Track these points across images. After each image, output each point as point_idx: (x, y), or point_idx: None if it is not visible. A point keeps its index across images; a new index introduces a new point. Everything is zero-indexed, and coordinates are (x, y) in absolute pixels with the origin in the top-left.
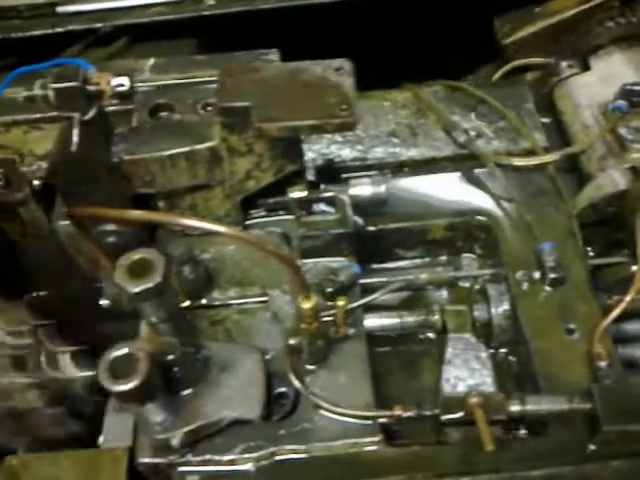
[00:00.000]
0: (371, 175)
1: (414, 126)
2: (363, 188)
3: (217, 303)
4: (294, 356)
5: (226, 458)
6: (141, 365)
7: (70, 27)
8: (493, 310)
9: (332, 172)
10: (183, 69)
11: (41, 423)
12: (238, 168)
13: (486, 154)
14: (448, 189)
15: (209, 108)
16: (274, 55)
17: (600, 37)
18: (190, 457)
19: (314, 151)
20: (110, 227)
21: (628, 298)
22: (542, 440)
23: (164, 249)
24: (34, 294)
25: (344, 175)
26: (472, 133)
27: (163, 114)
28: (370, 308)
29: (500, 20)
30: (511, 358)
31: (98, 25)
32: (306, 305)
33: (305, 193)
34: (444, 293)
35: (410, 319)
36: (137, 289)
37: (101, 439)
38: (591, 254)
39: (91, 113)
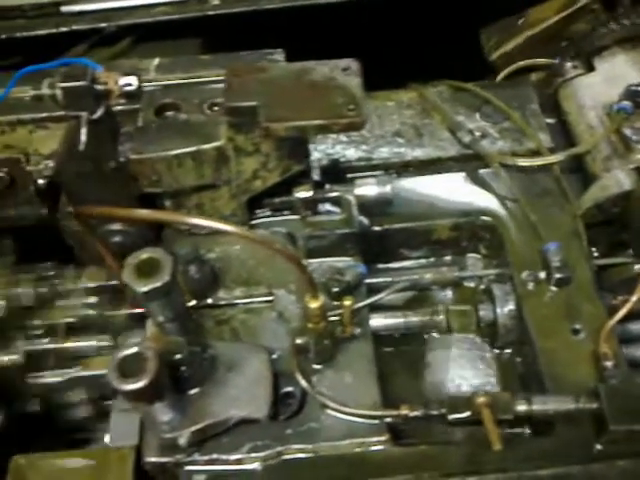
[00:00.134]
0: (376, 175)
1: (419, 126)
2: (369, 188)
3: (223, 302)
4: (301, 356)
5: (233, 457)
6: (150, 364)
7: (74, 27)
8: (498, 310)
9: (337, 172)
10: (188, 69)
11: None
12: (245, 168)
13: (491, 154)
14: (453, 189)
15: (215, 108)
16: (279, 55)
17: (604, 38)
18: (197, 456)
19: (319, 151)
20: (116, 226)
21: (634, 298)
22: (549, 440)
23: (170, 248)
24: None
25: (349, 175)
26: (477, 133)
27: (169, 114)
28: (374, 308)
29: (486, 34)
30: (516, 358)
31: (102, 25)
32: (313, 304)
33: (311, 193)
34: (449, 293)
35: (414, 319)
36: (145, 288)
37: (107, 438)
38: (595, 254)
39: (99, 112)
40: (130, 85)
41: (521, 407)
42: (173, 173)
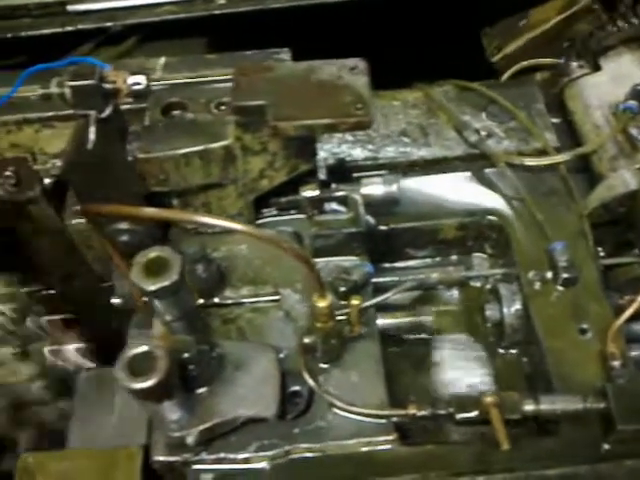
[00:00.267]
0: (383, 174)
1: (425, 126)
2: (375, 187)
3: (229, 302)
4: (308, 355)
5: (240, 456)
6: (160, 363)
7: (80, 26)
8: (505, 310)
9: (343, 171)
10: (195, 68)
11: (46, 415)
12: (252, 167)
13: (497, 154)
14: (459, 189)
15: (222, 107)
16: (285, 54)
17: (610, 38)
18: (204, 455)
19: (325, 150)
20: (123, 225)
21: None
22: (556, 439)
23: (176, 248)
24: (45, 290)
25: (355, 174)
26: (483, 133)
27: (176, 113)
28: (380, 307)
29: (487, 36)
30: (523, 358)
31: (108, 24)
32: (321, 304)
33: (317, 192)
34: (455, 293)
35: (404, 320)
36: (154, 287)
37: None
38: (602, 254)
39: (107, 111)
40: (139, 84)
41: (529, 407)
42: (181, 172)
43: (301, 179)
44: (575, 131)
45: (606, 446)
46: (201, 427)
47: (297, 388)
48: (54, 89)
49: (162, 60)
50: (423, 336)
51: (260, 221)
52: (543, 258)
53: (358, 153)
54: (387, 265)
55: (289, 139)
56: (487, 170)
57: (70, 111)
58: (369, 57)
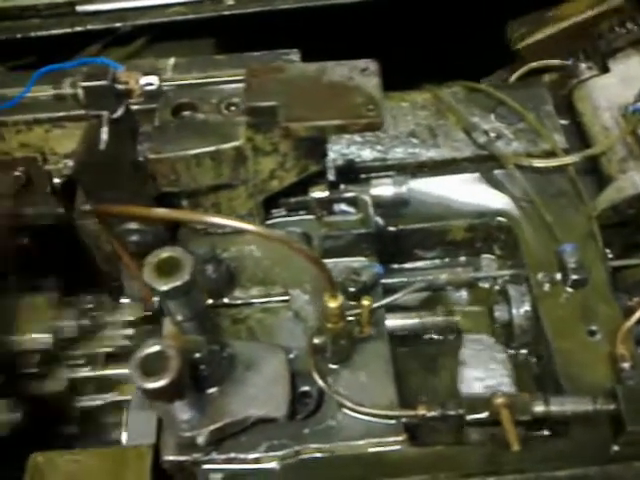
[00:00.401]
0: (392, 175)
1: (434, 127)
2: (385, 188)
3: (239, 302)
4: (317, 355)
5: (251, 456)
6: (172, 363)
7: (89, 26)
8: (514, 311)
9: (352, 172)
10: (204, 69)
11: None
12: (262, 168)
13: (506, 155)
14: (468, 190)
15: (232, 108)
16: (295, 55)
17: (618, 40)
18: (215, 455)
19: (334, 151)
20: (133, 226)
21: None
22: (566, 441)
23: (185, 248)
24: None
25: (364, 175)
26: (492, 134)
27: (186, 113)
28: (389, 308)
29: (513, 24)
30: (532, 359)
31: (117, 25)
32: (333, 304)
33: (327, 193)
34: (464, 294)
35: (429, 319)
36: (166, 287)
37: (124, 436)
38: (610, 256)
39: (119, 111)
40: (151, 85)
41: (539, 408)
42: (191, 172)
43: (310, 180)
44: (584, 133)
45: (616, 447)
46: (212, 427)
47: (307, 388)
48: (67, 90)
49: (171, 61)
50: (433, 336)
51: (269, 222)
52: (552, 259)
53: (367, 154)
54: (396, 266)
55: (300, 140)
56: (496, 171)
57: (81, 111)
58: (377, 58)
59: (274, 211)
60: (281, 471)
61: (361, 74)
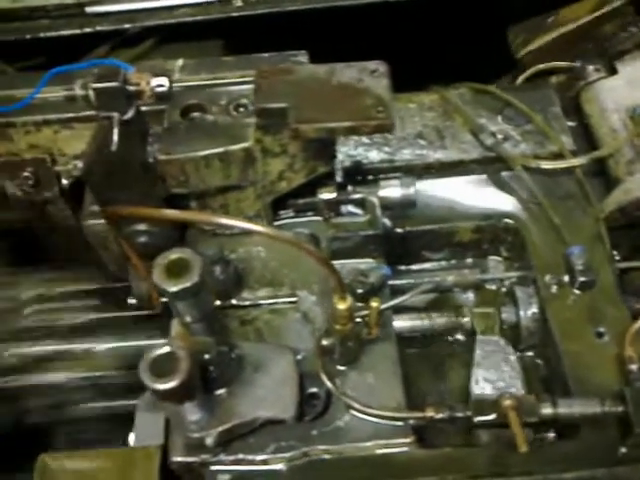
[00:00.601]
0: (400, 177)
1: (441, 128)
2: (392, 190)
3: (247, 303)
4: (325, 357)
5: (259, 458)
6: (182, 364)
7: (98, 28)
8: (521, 313)
9: (360, 174)
10: (212, 70)
11: None
12: (271, 169)
13: (513, 157)
14: (475, 192)
15: (241, 109)
16: (303, 57)
17: (626, 42)
18: (223, 456)
19: (341, 153)
20: (142, 227)
21: None
22: (573, 443)
23: (194, 249)
24: None
25: (371, 177)
26: (499, 136)
27: (195, 114)
28: (396, 309)
29: (514, 31)
30: (539, 361)
31: (126, 26)
32: (342, 306)
33: (334, 194)
34: (470, 295)
35: (439, 321)
36: (175, 288)
37: (132, 437)
38: (617, 258)
39: (130, 113)
40: (162, 86)
41: (547, 410)
42: (200, 174)
43: (318, 181)
44: (591, 135)
45: (624, 450)
46: (220, 428)
47: (315, 390)
48: (78, 91)
49: (180, 62)
50: (442, 338)
51: (277, 223)
52: (559, 261)
53: (374, 155)
54: (403, 267)
55: (309, 141)
56: (503, 173)
57: (90, 112)
58: (384, 60)
59: (282, 212)
60: (289, 472)
61: (371, 76)
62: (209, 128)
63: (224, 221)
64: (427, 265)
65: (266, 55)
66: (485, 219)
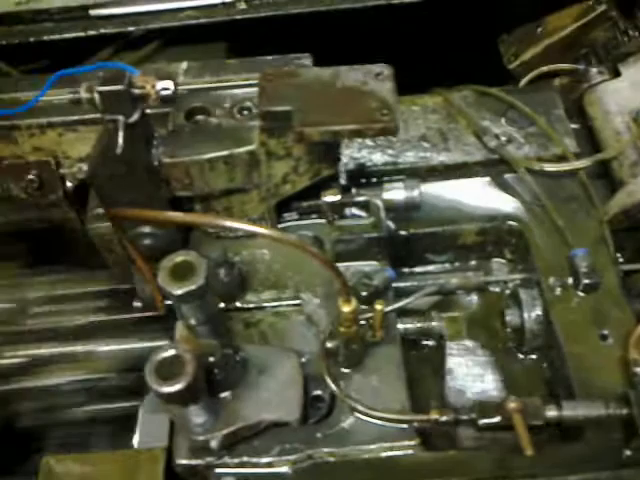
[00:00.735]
0: (403, 179)
1: (444, 131)
2: (396, 192)
3: (251, 306)
4: (330, 359)
5: (263, 460)
6: (188, 367)
7: (102, 30)
8: (525, 315)
9: (364, 176)
10: (217, 73)
11: None
12: (275, 172)
13: (517, 159)
14: (479, 194)
15: (245, 112)
16: (307, 60)
17: (629, 44)
18: (227, 459)
19: (345, 155)
20: (146, 229)
21: None
22: (578, 445)
23: (198, 252)
24: None
25: (375, 179)
26: (503, 138)
27: (199, 117)
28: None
29: (504, 43)
30: (543, 363)
31: (130, 29)
32: (346, 308)
33: (339, 197)
34: (474, 298)
35: (409, 326)
36: (180, 291)
37: (136, 439)
38: (621, 260)
39: (135, 116)
40: (167, 89)
41: (551, 413)
42: (205, 177)
43: (322, 184)
44: (595, 137)
45: (628, 452)
46: (225, 431)
47: (319, 393)
48: (83, 94)
49: (184, 65)
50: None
51: (281, 225)
52: (563, 264)
53: (378, 158)
54: (407, 270)
55: (313, 144)
56: (507, 175)
57: (94, 115)
58: (387, 62)
59: (286, 215)
60: (293, 475)
61: (375, 79)
62: (213, 131)
63: (228, 224)
64: (431, 267)
65: (270, 58)
66: (489, 221)
